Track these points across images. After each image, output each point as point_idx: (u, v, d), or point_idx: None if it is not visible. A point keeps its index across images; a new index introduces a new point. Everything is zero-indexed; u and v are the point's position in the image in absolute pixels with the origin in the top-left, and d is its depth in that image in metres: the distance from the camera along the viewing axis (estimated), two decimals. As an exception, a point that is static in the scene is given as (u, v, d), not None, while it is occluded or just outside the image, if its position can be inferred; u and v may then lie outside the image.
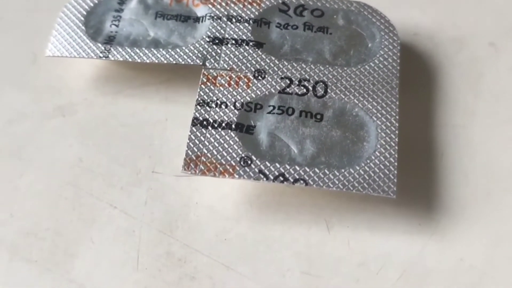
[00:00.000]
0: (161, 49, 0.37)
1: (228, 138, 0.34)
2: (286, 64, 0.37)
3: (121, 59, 0.37)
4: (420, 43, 0.41)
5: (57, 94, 0.39)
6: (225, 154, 0.34)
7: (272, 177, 0.33)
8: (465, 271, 0.33)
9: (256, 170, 0.33)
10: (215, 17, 0.38)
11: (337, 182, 0.33)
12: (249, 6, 0.39)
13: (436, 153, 0.37)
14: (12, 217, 0.35)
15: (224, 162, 0.33)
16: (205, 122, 0.35)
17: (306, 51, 0.37)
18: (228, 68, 0.37)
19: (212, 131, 0.34)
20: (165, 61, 0.37)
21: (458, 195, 0.35)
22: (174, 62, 0.37)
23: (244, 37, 0.38)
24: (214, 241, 0.34)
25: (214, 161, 0.34)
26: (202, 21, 0.39)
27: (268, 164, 0.33)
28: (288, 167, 0.33)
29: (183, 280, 0.33)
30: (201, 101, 0.35)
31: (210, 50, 0.37)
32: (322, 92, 0.36)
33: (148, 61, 0.37)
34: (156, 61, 0.37)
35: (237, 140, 0.34)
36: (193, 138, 0.34)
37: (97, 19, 0.39)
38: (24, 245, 0.34)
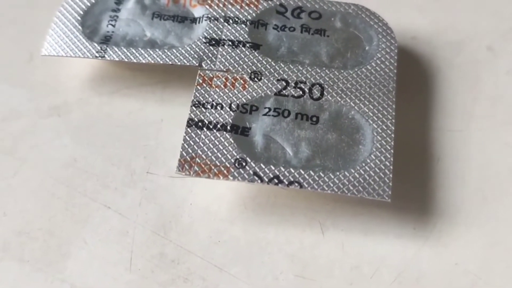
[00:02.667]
0: (157, 50, 0.37)
1: (223, 140, 0.34)
2: (283, 66, 0.37)
3: (117, 59, 0.37)
4: (418, 46, 0.41)
5: (53, 93, 0.39)
6: (220, 156, 0.34)
7: (266, 179, 0.33)
8: (460, 275, 0.33)
9: (251, 172, 0.33)
10: (212, 18, 0.38)
11: (331, 185, 0.33)
12: (247, 8, 0.39)
13: (432, 157, 0.36)
14: (5, 216, 0.35)
15: (218, 164, 0.33)
16: (200, 123, 0.35)
17: (303, 53, 0.37)
18: (224, 69, 0.36)
19: (207, 132, 0.34)
20: (161, 62, 0.37)
21: (453, 199, 0.35)
22: (170, 62, 0.37)
23: (241, 39, 0.37)
24: (207, 242, 0.34)
25: (209, 163, 0.33)
26: (199, 22, 0.38)
27: (263, 166, 0.33)
28: (283, 169, 0.33)
29: (176, 281, 0.33)
30: (197, 102, 0.35)
31: (207, 51, 0.37)
32: (318, 94, 0.36)
33: (144, 61, 0.37)
34: (152, 62, 0.37)
35: (232, 141, 0.34)
36: (188, 139, 0.34)
37: (94, 18, 0.39)
38: (16, 245, 0.34)
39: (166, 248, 0.34)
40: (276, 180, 0.33)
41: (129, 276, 0.33)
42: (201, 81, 0.36)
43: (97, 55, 0.37)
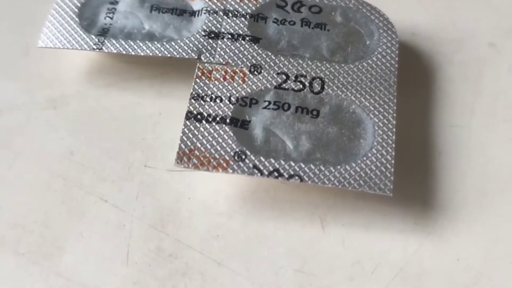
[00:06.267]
0: (155, 42, 0.37)
1: (222, 133, 0.34)
2: (283, 59, 0.36)
3: (115, 51, 0.36)
4: (419, 43, 0.40)
5: (49, 86, 0.38)
6: (219, 149, 0.33)
7: (266, 173, 0.32)
8: (461, 271, 0.33)
9: (250, 165, 0.33)
10: (211, 11, 0.38)
11: (332, 179, 0.32)
12: (246, 1, 0.38)
13: (433, 152, 0.36)
14: (0, 208, 0.34)
15: (217, 157, 0.33)
16: (199, 116, 0.34)
17: (303, 47, 0.37)
18: (224, 63, 0.36)
19: (206, 125, 0.34)
20: (160, 54, 0.36)
21: (455, 195, 0.35)
22: (168, 55, 0.36)
23: (241, 32, 0.37)
24: (206, 237, 0.34)
25: (208, 155, 0.33)
26: (198, 15, 0.38)
27: (263, 159, 0.33)
28: (283, 162, 0.33)
29: (174, 276, 0.33)
30: (196, 95, 0.35)
31: (206, 44, 0.36)
32: (319, 88, 0.35)
33: (142, 54, 0.36)
34: (151, 54, 0.36)
35: (232, 134, 0.34)
36: (187, 131, 0.34)
37: (91, 11, 0.38)
38: (11, 237, 0.33)
39: (164, 242, 0.33)
40: (276, 174, 0.32)
41: (126, 270, 0.33)
42: (200, 74, 0.36)
43: (94, 47, 0.37)
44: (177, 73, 0.38)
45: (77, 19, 0.38)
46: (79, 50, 0.37)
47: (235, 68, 0.36)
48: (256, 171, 0.32)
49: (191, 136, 0.33)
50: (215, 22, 0.37)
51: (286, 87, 0.35)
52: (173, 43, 0.37)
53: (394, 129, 0.34)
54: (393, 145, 0.34)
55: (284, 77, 0.36)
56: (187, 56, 0.36)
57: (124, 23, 0.38)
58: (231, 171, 0.32)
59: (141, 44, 0.37)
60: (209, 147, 0.33)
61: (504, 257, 0.33)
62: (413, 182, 0.35)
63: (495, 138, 0.37)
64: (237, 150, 0.33)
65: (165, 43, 0.37)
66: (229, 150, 0.33)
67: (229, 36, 0.37)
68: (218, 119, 0.34)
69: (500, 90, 0.39)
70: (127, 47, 0.37)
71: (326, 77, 0.36)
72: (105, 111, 0.37)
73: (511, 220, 0.34)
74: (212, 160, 0.33)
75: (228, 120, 0.34)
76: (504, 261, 0.33)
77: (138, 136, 0.37)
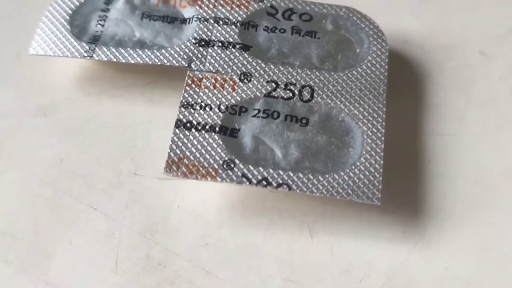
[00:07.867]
0: (146, 50, 0.37)
1: (211, 141, 0.34)
2: (273, 67, 0.36)
3: (106, 59, 0.37)
4: (410, 50, 0.40)
5: (40, 93, 0.38)
6: (208, 157, 0.33)
7: (255, 181, 0.33)
8: (450, 281, 0.33)
9: (239, 173, 0.33)
10: (202, 19, 0.38)
11: (321, 188, 0.32)
12: (237, 9, 0.38)
13: (422, 160, 0.36)
14: (-11, 216, 0.34)
15: (206, 165, 0.33)
16: (188, 124, 0.34)
17: (293, 55, 0.37)
18: (214, 70, 0.36)
19: (196, 133, 0.34)
20: (150, 62, 0.36)
21: (444, 203, 0.35)
22: (159, 63, 0.36)
23: (231, 40, 0.37)
24: (195, 245, 0.34)
25: (197, 164, 0.33)
26: (189, 23, 0.38)
27: (252, 168, 0.33)
28: (271, 171, 0.33)
29: (162, 284, 0.33)
30: (185, 103, 0.35)
31: (196, 52, 0.37)
32: (308, 96, 0.35)
33: (133, 61, 0.36)
34: (141, 62, 0.36)
35: (221, 143, 0.34)
36: (176, 140, 0.34)
37: (83, 18, 0.38)
38: (0, 246, 0.33)
39: (153, 251, 0.33)
40: (264, 182, 0.32)
41: (114, 278, 0.33)
42: (190, 82, 0.36)
43: (85, 54, 0.37)
44: (168, 81, 0.39)
45: (68, 26, 0.38)
46: (70, 58, 0.37)
47: (225, 76, 0.36)
48: (245, 180, 0.33)
49: (180, 144, 0.34)
50: (206, 30, 0.37)
51: (276, 95, 0.35)
52: (163, 51, 0.37)
53: (383, 138, 0.34)
54: (382, 154, 0.34)
55: (274, 85, 0.36)
56: (177, 64, 0.36)
57: (115, 31, 0.38)
58: (220, 179, 0.33)
59: (131, 52, 0.37)
60: (198, 155, 0.33)
61: (493, 266, 0.33)
62: (402, 190, 0.35)
63: (485, 146, 0.37)
64: (226, 158, 0.33)
65: (155, 51, 0.37)
66: (218, 159, 0.33)
67: (220, 44, 0.37)
68: (207, 127, 0.34)
69: (491, 98, 0.39)
70: (117, 54, 0.37)
71: (316, 85, 0.36)
72: (96, 118, 0.37)
73: (500, 229, 0.34)
74: (201, 169, 0.33)
75: (217, 129, 0.34)
76: (493, 270, 0.33)
77: (128, 143, 0.37)
